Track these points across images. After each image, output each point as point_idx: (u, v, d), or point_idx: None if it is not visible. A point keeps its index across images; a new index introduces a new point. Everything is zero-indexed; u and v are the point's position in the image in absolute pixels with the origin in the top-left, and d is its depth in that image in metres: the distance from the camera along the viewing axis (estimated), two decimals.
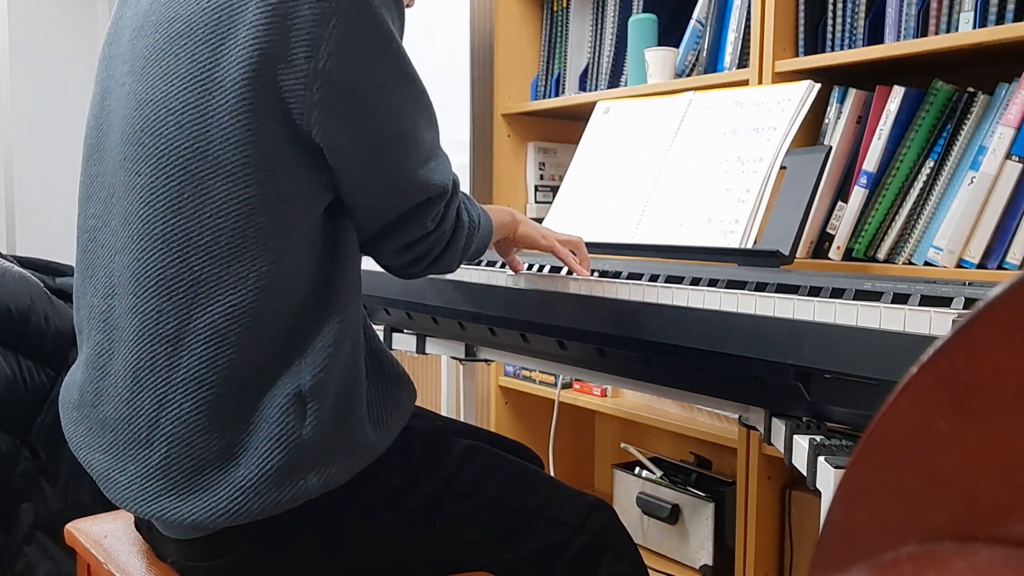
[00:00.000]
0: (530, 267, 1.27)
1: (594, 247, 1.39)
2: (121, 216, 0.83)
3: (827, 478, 0.87)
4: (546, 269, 1.25)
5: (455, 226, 0.93)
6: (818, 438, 0.93)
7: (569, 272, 1.18)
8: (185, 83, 0.78)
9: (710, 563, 1.75)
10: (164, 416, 0.79)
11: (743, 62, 1.62)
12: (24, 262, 1.79)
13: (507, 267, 1.24)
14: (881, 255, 1.39)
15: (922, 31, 1.37)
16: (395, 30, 0.82)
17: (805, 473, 0.92)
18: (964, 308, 0.82)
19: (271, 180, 0.78)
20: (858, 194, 1.40)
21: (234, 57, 0.76)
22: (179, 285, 0.78)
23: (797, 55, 1.52)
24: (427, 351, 1.61)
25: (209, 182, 0.77)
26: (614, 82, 1.97)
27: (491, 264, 1.31)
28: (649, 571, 1.07)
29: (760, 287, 0.98)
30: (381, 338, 1.03)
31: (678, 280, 1.07)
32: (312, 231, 0.82)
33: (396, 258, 0.92)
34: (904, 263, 1.37)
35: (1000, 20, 1.27)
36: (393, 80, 0.82)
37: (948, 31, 1.33)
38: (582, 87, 2.05)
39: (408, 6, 0.91)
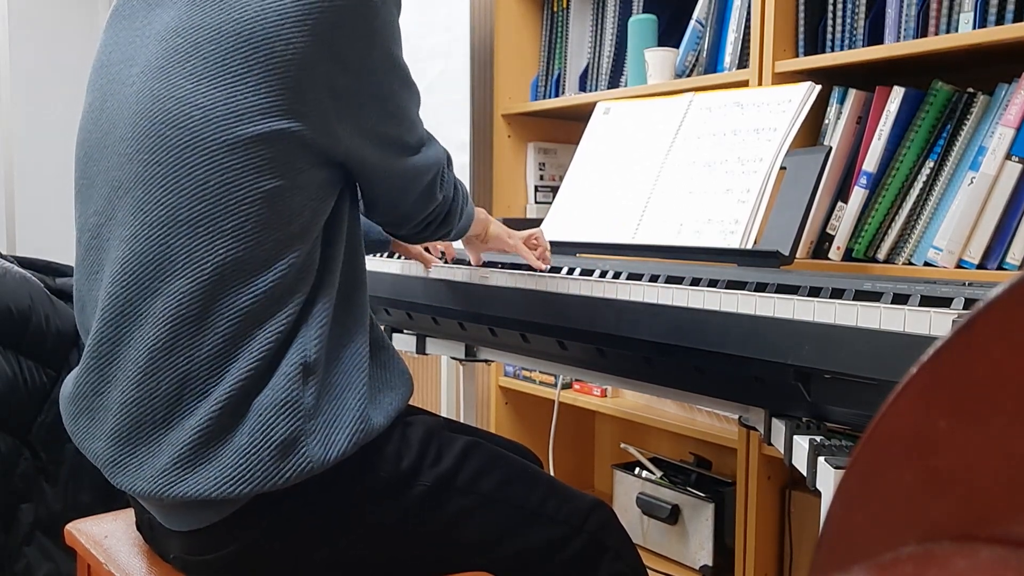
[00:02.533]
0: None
1: (594, 247, 1.39)
2: (132, 205, 0.84)
3: (827, 478, 0.87)
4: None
5: (454, 188, 1.05)
6: (818, 438, 0.93)
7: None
8: (214, 82, 0.80)
9: (710, 563, 1.75)
10: (187, 394, 0.82)
11: (743, 62, 1.62)
12: (24, 262, 1.79)
13: (526, 267, 1.26)
14: (881, 255, 1.39)
15: (922, 31, 1.37)
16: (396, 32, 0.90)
17: (805, 473, 0.92)
18: (964, 308, 0.82)
19: (292, 174, 0.83)
20: (858, 194, 1.41)
21: (270, 66, 0.80)
22: (205, 267, 0.81)
23: (797, 55, 1.52)
24: (427, 351, 1.61)
25: (234, 172, 0.80)
26: (614, 82, 1.97)
27: (491, 264, 1.31)
28: (649, 571, 1.07)
29: (760, 287, 0.98)
30: None
31: (678, 280, 1.07)
32: (322, 218, 0.88)
33: (415, 229, 1.04)
34: (904, 263, 1.37)
35: (1000, 20, 1.28)
36: (396, 84, 0.89)
37: (948, 31, 1.33)
38: (582, 87, 2.05)
39: None
